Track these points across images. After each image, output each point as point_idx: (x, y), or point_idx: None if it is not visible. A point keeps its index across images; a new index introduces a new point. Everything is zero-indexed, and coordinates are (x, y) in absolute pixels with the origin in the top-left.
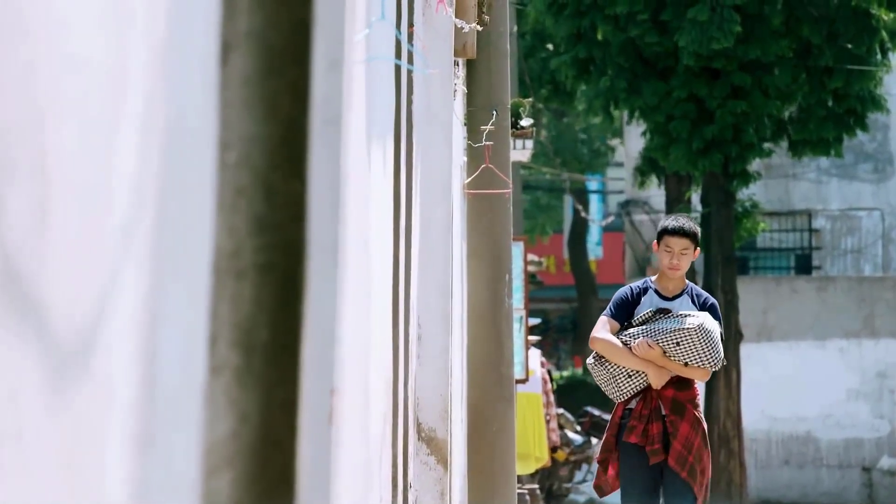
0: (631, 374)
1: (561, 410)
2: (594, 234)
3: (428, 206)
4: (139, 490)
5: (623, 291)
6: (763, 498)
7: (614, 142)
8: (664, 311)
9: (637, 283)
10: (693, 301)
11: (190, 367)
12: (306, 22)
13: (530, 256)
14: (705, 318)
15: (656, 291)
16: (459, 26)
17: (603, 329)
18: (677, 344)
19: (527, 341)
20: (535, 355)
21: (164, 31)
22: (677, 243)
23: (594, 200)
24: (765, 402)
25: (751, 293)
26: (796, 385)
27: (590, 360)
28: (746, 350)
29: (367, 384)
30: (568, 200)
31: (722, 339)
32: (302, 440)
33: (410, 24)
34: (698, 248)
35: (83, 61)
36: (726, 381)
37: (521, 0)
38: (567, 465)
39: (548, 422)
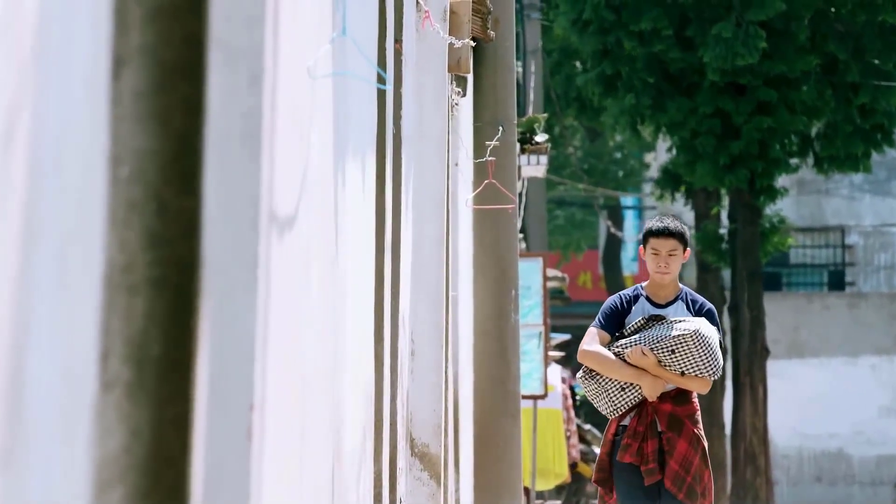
0: (624, 386)
1: (588, 426)
2: (629, 250)
3: (420, 220)
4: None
5: (612, 301)
6: None
7: (650, 157)
8: (658, 318)
9: (627, 291)
10: (688, 307)
11: (80, 381)
12: (200, 37)
13: (554, 272)
14: (701, 324)
15: (648, 299)
16: (450, 42)
17: (592, 341)
18: (672, 351)
19: (546, 357)
20: (556, 371)
21: (43, 46)
22: (664, 244)
23: (630, 216)
24: (796, 418)
25: (782, 309)
26: (828, 402)
27: (580, 374)
28: (777, 366)
29: (338, 399)
30: (603, 216)
31: (722, 348)
32: (197, 456)
33: (397, 40)
34: (688, 248)
35: None
36: (752, 397)
37: (547, 17)
38: None
39: (568, 438)
